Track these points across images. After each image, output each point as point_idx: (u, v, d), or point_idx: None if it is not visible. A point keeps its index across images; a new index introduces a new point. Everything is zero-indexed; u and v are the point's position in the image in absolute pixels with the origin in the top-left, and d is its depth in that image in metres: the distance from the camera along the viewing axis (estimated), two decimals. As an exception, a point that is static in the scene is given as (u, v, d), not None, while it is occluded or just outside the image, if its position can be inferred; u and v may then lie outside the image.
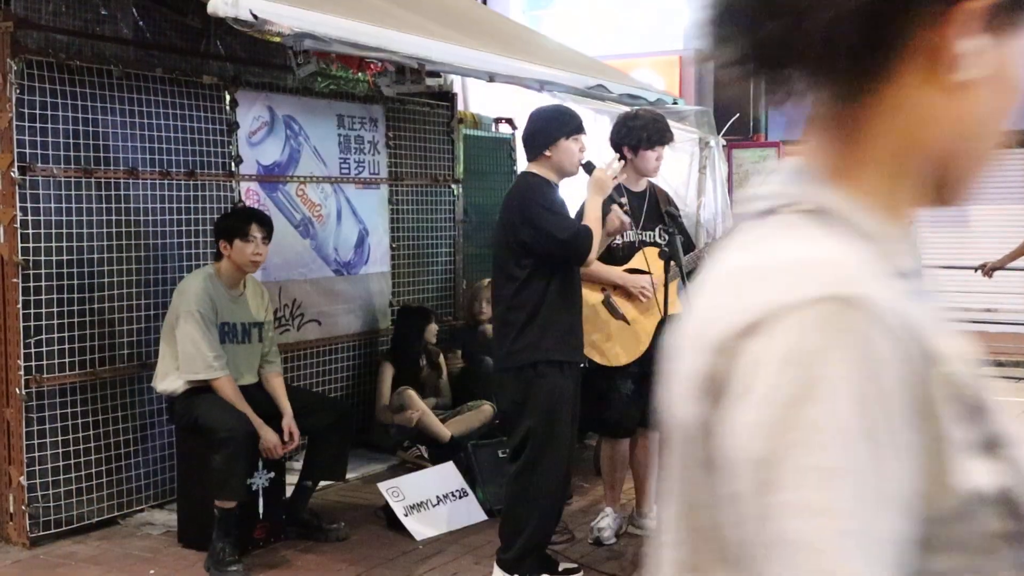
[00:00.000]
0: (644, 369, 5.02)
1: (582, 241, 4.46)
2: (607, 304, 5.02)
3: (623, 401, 5.06)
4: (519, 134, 8.60)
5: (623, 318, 5.00)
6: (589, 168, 4.63)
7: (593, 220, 4.56)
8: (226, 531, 4.85)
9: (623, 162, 5.15)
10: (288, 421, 5.16)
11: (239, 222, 5.16)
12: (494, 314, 4.82)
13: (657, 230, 5.12)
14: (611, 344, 4.98)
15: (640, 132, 5.11)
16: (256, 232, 5.14)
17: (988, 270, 7.46)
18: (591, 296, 5.01)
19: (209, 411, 4.95)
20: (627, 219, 4.71)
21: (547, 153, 4.58)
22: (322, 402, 5.57)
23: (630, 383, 5.07)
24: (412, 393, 6.55)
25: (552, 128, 4.58)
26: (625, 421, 5.14)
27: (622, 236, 5.09)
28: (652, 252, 5.04)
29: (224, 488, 4.85)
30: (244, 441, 4.88)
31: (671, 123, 6.45)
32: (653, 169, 5.17)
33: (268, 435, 5.03)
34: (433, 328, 6.95)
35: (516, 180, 4.83)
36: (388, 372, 6.79)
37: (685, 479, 0.95)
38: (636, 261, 5.10)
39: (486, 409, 6.55)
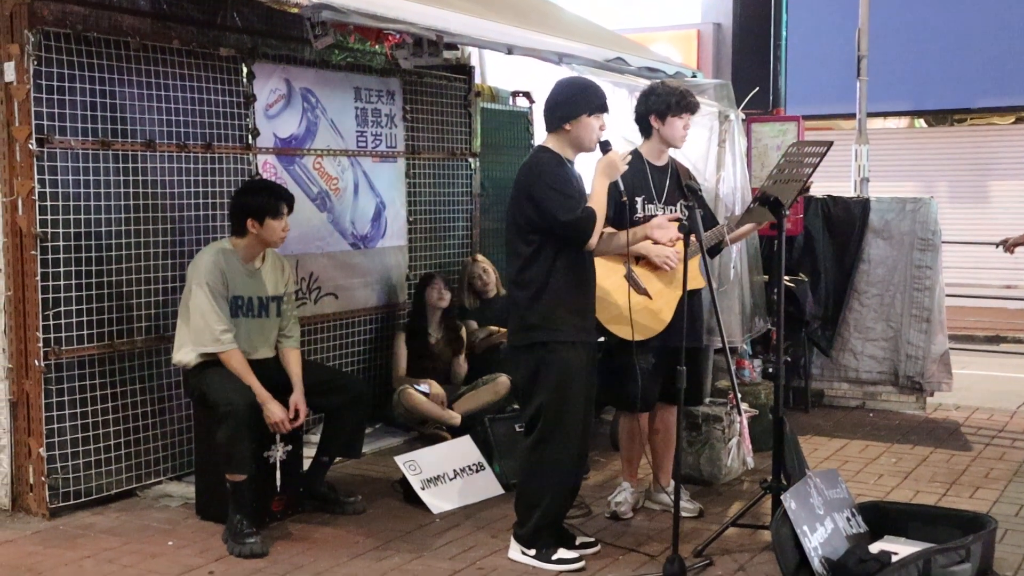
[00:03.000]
0: (665, 343, 5.00)
1: (584, 225, 4.43)
2: (629, 279, 4.99)
3: (644, 375, 5.02)
4: (537, 107, 8.62)
5: (645, 292, 4.96)
6: (605, 148, 4.59)
7: (598, 202, 4.53)
8: (241, 504, 4.87)
9: (650, 135, 5.12)
10: (296, 397, 5.14)
11: (271, 200, 5.11)
12: (506, 288, 4.81)
13: (679, 205, 5.08)
14: (634, 318, 4.95)
15: (668, 98, 5.09)
16: (285, 209, 5.15)
17: (1009, 246, 7.38)
18: (614, 270, 4.99)
19: (214, 385, 4.96)
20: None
21: (567, 127, 4.54)
22: (339, 379, 5.55)
23: (651, 357, 5.04)
24: (412, 393, 6.53)
25: (576, 102, 4.54)
26: (645, 396, 5.12)
27: (644, 210, 5.06)
28: (673, 227, 5.01)
29: (231, 462, 4.86)
30: (246, 415, 4.87)
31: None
32: (680, 138, 5.14)
33: (273, 409, 5.01)
34: (434, 293, 6.82)
35: (530, 155, 4.80)
36: (401, 340, 6.82)
37: None
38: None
39: (503, 382, 6.54)
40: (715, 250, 5.25)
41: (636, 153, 5.07)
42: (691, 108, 5.14)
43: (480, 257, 7.34)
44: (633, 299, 4.92)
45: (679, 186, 5.10)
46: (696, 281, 4.99)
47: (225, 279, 5.06)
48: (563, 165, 4.56)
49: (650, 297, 4.98)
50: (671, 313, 5.01)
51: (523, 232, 4.51)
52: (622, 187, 4.65)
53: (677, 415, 4.69)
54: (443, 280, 6.89)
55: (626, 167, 4.65)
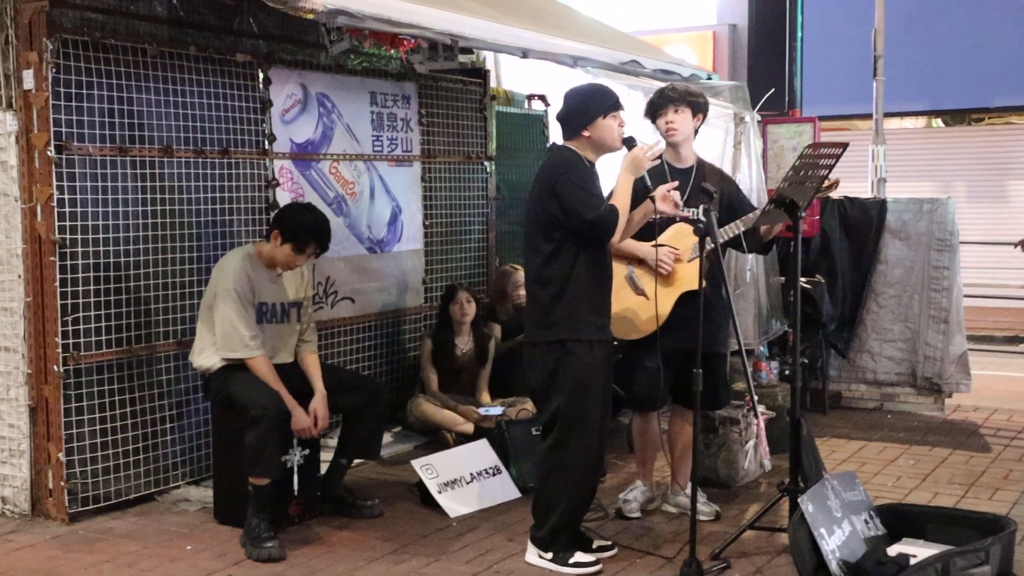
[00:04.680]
0: (674, 344, 5.00)
1: (607, 222, 4.44)
2: (629, 279, 5.03)
3: (648, 375, 5.07)
4: (552, 111, 8.62)
5: (643, 293, 5.02)
6: (630, 144, 4.60)
7: (621, 200, 4.53)
8: (260, 508, 4.89)
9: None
10: (316, 403, 5.16)
11: (305, 234, 5.08)
12: (525, 286, 4.82)
13: (701, 208, 5.08)
14: (627, 319, 4.97)
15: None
16: (312, 250, 5.15)
17: (1028, 246, 7.36)
18: (616, 271, 5.01)
19: (243, 389, 4.98)
20: (678, 199, 4.71)
21: (585, 133, 4.55)
22: (357, 380, 5.58)
23: (658, 358, 5.05)
24: (422, 403, 6.62)
25: (589, 107, 4.55)
26: (652, 395, 5.16)
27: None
28: (685, 228, 5.01)
29: (257, 465, 4.88)
30: (276, 419, 4.90)
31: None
32: (666, 132, 5.15)
33: (300, 415, 5.05)
34: (457, 309, 6.77)
35: (550, 152, 4.81)
36: (427, 355, 6.81)
37: None
38: (668, 235, 5.09)
39: (529, 408, 6.48)
40: (756, 242, 5.24)
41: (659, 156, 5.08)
42: (660, 107, 5.15)
43: (519, 267, 7.24)
44: (630, 299, 4.95)
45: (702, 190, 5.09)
46: (692, 283, 4.98)
47: (252, 285, 5.08)
48: (584, 164, 4.57)
49: (647, 298, 5.02)
50: (667, 314, 5.01)
51: (545, 229, 4.52)
52: (648, 182, 4.64)
53: (694, 418, 4.68)
54: (466, 294, 6.81)
55: (655, 163, 4.65)
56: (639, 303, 5.03)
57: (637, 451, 5.41)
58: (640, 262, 5.05)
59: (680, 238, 5.06)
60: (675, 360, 4.98)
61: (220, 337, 5.04)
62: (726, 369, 5.49)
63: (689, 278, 4.97)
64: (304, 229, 5.12)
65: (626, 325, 5.02)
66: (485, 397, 6.82)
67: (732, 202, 5.21)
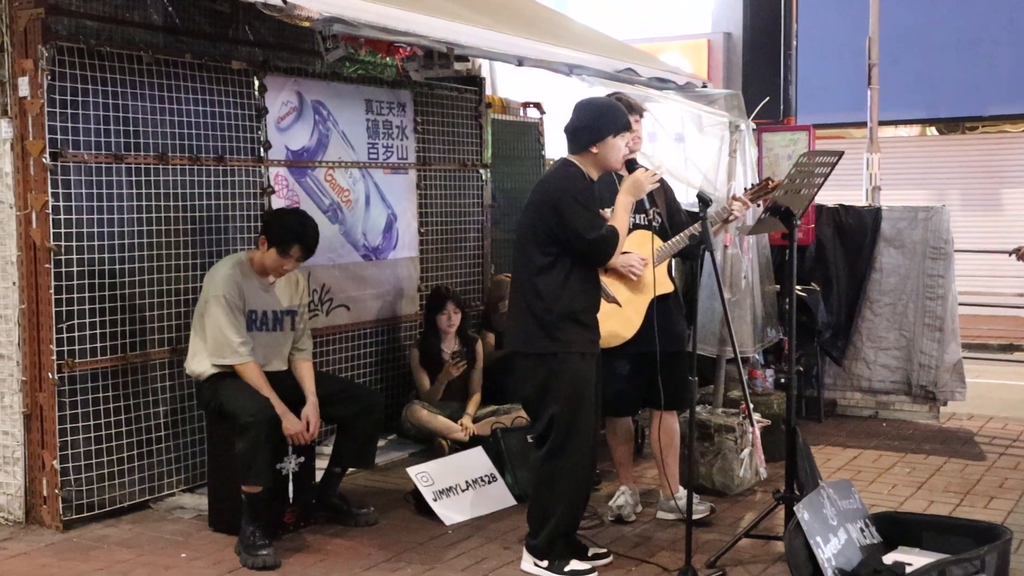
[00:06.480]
0: (640, 349, 5.02)
1: (607, 244, 4.46)
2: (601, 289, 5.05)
3: (617, 380, 5.12)
4: (547, 118, 8.64)
5: (615, 300, 5.05)
6: (632, 166, 4.61)
7: (622, 220, 4.53)
8: (255, 515, 4.88)
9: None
10: (308, 410, 5.15)
11: (288, 236, 5.09)
12: (510, 295, 4.80)
13: (651, 211, 5.06)
14: (605, 325, 5.00)
15: None
16: (296, 253, 5.13)
17: (1022, 254, 7.36)
18: None
19: (233, 396, 4.97)
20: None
21: (593, 150, 4.54)
22: (352, 389, 5.56)
23: (625, 363, 5.12)
24: (418, 409, 6.61)
25: (602, 124, 4.54)
26: (622, 400, 5.24)
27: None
28: (639, 234, 5.01)
29: (248, 473, 4.87)
30: (267, 427, 4.89)
31: (701, 107, 6.45)
32: (632, 143, 5.16)
33: (291, 422, 5.04)
34: (444, 319, 6.78)
35: (554, 166, 4.77)
36: (416, 360, 6.81)
37: None
38: (630, 241, 5.09)
39: (524, 416, 6.47)
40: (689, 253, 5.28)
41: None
42: (628, 114, 5.16)
43: None
44: (603, 308, 4.97)
45: (649, 195, 5.09)
46: (664, 286, 5.11)
47: (241, 292, 5.08)
48: (587, 181, 4.56)
49: (619, 305, 5.03)
50: (640, 319, 5.06)
51: (541, 243, 4.51)
52: (647, 205, 4.68)
53: (690, 425, 4.69)
54: (453, 304, 6.80)
55: (655, 185, 4.66)
56: (612, 311, 5.02)
57: (613, 455, 5.49)
58: (605, 271, 5.04)
59: (641, 243, 5.05)
60: (645, 365, 5.00)
61: (210, 343, 5.04)
62: (689, 367, 5.54)
63: (659, 282, 5.01)
64: (286, 231, 5.10)
65: (604, 333, 5.00)
66: (476, 399, 6.80)
67: (670, 207, 5.34)
